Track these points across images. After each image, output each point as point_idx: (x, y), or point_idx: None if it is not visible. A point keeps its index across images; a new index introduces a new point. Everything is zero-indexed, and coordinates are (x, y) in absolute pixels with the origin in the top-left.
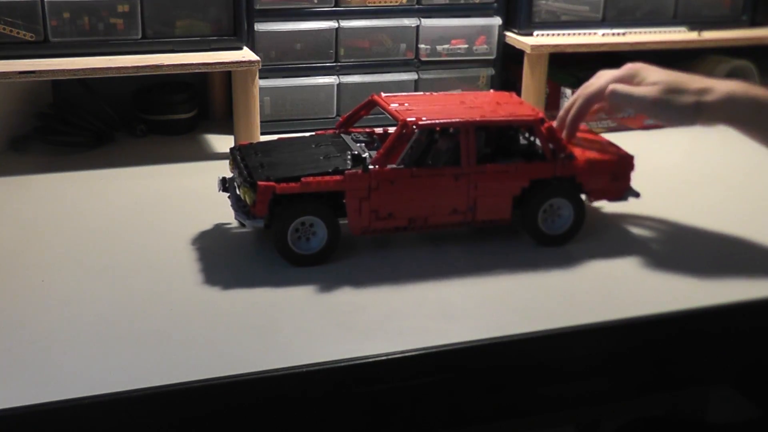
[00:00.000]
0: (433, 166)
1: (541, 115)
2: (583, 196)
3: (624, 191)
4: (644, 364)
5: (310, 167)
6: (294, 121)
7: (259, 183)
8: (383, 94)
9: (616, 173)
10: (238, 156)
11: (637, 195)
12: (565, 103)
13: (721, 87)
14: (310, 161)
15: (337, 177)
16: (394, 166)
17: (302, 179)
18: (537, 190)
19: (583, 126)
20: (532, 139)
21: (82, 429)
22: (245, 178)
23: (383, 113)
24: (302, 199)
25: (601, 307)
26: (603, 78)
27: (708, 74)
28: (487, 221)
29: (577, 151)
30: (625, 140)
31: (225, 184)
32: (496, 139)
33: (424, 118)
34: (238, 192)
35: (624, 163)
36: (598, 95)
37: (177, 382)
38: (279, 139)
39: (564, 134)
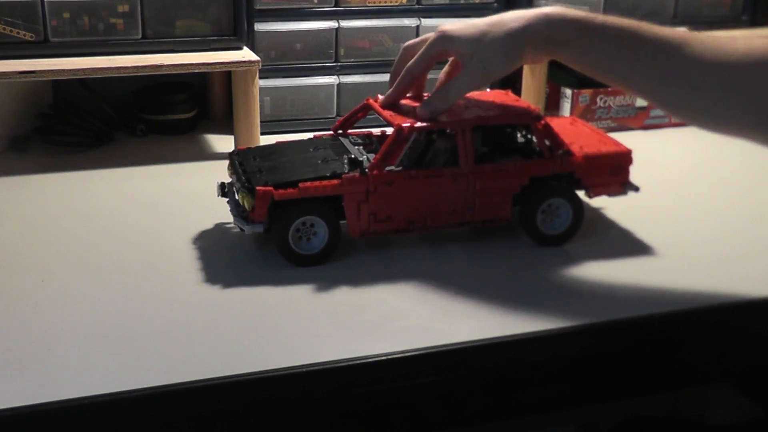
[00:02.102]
0: (431, 167)
1: (537, 112)
2: (583, 192)
3: (623, 186)
4: (644, 363)
5: (308, 172)
6: (294, 121)
7: (258, 188)
8: (379, 96)
9: (615, 168)
10: (237, 161)
11: (636, 189)
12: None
13: (533, 11)
14: (308, 165)
15: (335, 181)
16: (392, 167)
17: (300, 184)
18: (536, 187)
19: (585, 122)
20: (529, 136)
21: (82, 429)
22: (243, 184)
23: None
24: (302, 200)
25: (601, 307)
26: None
27: None
28: (487, 221)
29: (575, 148)
30: (625, 140)
31: (224, 189)
32: (493, 138)
33: (419, 123)
34: (236, 197)
35: (622, 157)
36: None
37: (177, 382)
38: (277, 143)
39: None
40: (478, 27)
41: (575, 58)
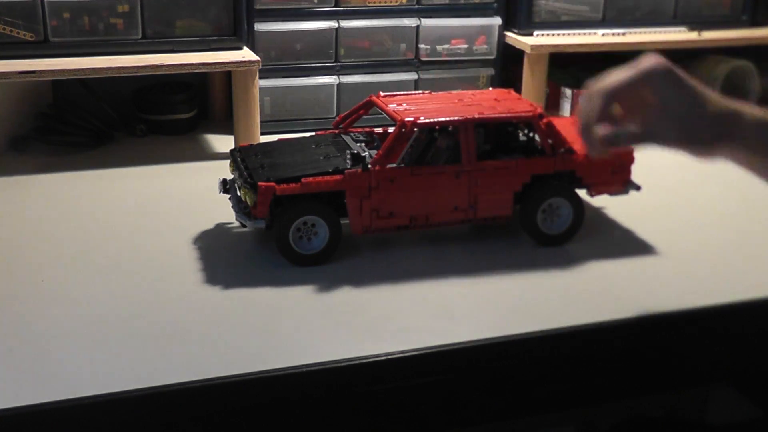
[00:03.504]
0: (434, 164)
1: (539, 110)
2: (584, 190)
3: (625, 184)
4: (644, 364)
5: (310, 167)
6: (294, 121)
7: (260, 184)
8: (381, 94)
9: (616, 166)
10: (239, 157)
11: (638, 188)
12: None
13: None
14: (310, 161)
15: (337, 177)
16: (394, 165)
17: (302, 180)
18: (537, 185)
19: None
20: (531, 134)
21: (82, 429)
22: (246, 180)
23: (383, 113)
24: (303, 200)
25: (601, 307)
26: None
27: (708, 74)
28: (489, 218)
29: (577, 146)
30: None
31: (226, 186)
32: (495, 136)
33: (422, 118)
34: (238, 193)
35: (623, 156)
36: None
37: (177, 382)
38: (279, 140)
39: (588, 147)
40: (693, 91)
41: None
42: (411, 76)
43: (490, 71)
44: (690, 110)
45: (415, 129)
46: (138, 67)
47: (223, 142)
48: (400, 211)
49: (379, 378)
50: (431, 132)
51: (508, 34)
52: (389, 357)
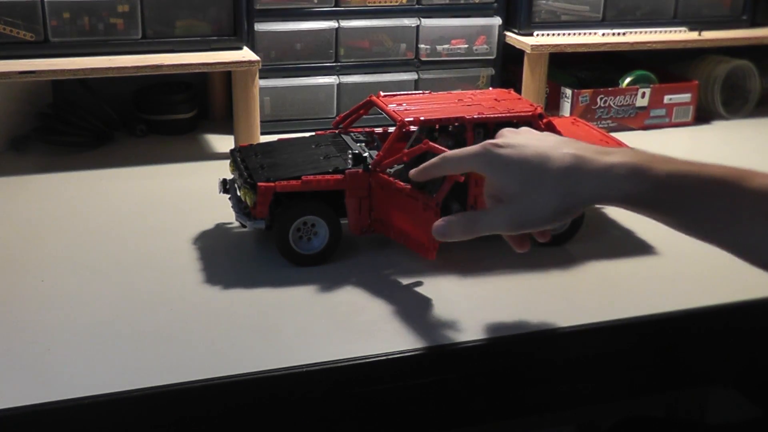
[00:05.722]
0: None
1: (539, 110)
2: None
3: None
4: (644, 364)
5: (310, 167)
6: (294, 121)
7: (260, 184)
8: (381, 94)
9: None
10: (239, 157)
11: None
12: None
13: (606, 171)
14: (310, 161)
15: (338, 176)
16: (394, 166)
17: (303, 177)
18: None
19: (586, 121)
20: None
21: (82, 429)
22: (245, 180)
23: (383, 113)
24: (303, 199)
25: (601, 307)
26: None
27: (708, 74)
28: None
29: None
30: (625, 140)
31: (226, 186)
32: (495, 136)
33: (422, 118)
34: (238, 193)
35: None
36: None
37: (177, 382)
38: (279, 140)
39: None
40: (531, 164)
41: (650, 215)
42: (411, 76)
43: (490, 71)
44: (525, 198)
45: (415, 129)
46: (138, 67)
47: (223, 142)
48: None
49: (379, 378)
50: (431, 132)
51: (508, 34)
52: (389, 357)
